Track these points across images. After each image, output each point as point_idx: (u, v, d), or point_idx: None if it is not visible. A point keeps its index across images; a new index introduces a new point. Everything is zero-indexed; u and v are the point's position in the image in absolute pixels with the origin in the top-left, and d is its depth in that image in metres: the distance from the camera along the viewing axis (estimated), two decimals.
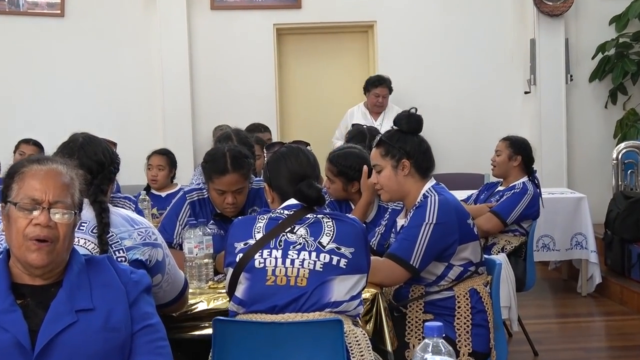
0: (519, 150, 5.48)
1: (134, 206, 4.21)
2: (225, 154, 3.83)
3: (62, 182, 2.29)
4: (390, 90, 8.20)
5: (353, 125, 6.90)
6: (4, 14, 8.52)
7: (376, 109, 8.22)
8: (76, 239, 2.52)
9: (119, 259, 2.64)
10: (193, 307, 3.17)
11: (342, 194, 4.23)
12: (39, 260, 2.23)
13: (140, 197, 5.39)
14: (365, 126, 5.68)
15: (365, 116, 8.25)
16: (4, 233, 2.42)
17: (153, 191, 6.32)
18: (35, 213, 2.24)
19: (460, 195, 4.90)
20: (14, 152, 6.90)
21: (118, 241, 2.70)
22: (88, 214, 2.70)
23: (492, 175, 5.68)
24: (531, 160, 5.51)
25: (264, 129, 7.23)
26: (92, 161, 2.96)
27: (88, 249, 2.65)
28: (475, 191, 5.88)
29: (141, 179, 6.64)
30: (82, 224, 2.67)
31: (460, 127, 8.94)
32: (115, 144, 3.31)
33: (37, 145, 6.94)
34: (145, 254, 2.72)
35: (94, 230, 2.69)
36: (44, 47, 8.60)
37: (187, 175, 7.72)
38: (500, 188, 5.56)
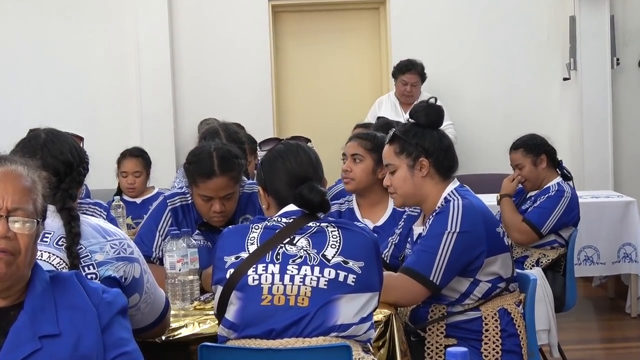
0: (540, 150, 5.47)
1: (106, 214, 4.23)
2: (211, 154, 3.82)
3: (22, 186, 2.29)
4: (423, 77, 8.21)
5: (379, 118, 6.92)
6: None
7: (406, 99, 8.22)
8: (39, 253, 2.53)
9: (89, 276, 2.64)
10: (176, 331, 3.18)
11: (367, 178, 4.23)
12: None
13: (114, 203, 5.41)
14: (394, 122, 5.63)
15: (395, 107, 8.28)
16: None
17: (126, 197, 6.32)
18: None
19: (487, 199, 4.90)
20: None
21: (88, 255, 2.69)
22: (52, 223, 2.70)
23: (527, 191, 5.65)
24: (554, 152, 5.51)
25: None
26: (58, 161, 2.95)
27: (53, 264, 2.65)
28: None
29: (113, 182, 6.65)
30: (46, 235, 2.67)
31: (488, 119, 8.94)
32: (81, 139, 3.31)
33: None
34: (119, 270, 2.72)
35: (59, 242, 2.69)
36: (1, 27, 8.61)
37: (168, 178, 7.73)
38: (532, 192, 5.56)
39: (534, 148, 5.48)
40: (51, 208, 2.61)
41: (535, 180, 5.49)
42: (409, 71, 8.19)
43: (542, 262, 5.30)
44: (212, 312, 3.22)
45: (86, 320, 2.29)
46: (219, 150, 3.85)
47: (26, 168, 2.34)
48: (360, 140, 4.38)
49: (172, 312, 3.20)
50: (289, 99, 9.14)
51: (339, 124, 8.41)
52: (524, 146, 5.51)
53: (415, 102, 8.02)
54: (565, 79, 8.87)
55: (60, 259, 2.67)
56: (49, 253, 2.67)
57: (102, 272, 2.68)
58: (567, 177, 5.48)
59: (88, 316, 2.30)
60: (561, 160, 5.55)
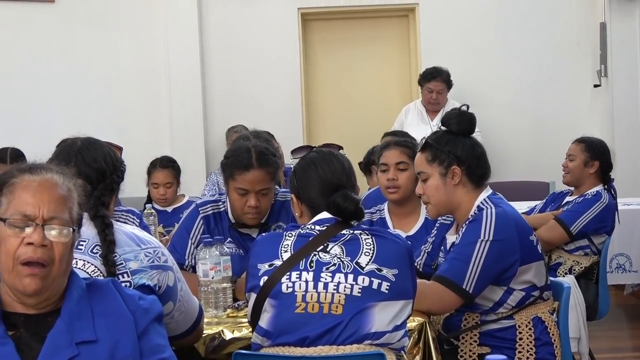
0: (597, 156, 5.45)
1: (139, 221, 4.24)
2: (250, 149, 3.90)
3: (58, 194, 2.31)
4: (449, 84, 8.21)
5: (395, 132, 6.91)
6: None
7: (432, 107, 8.25)
8: (74, 261, 2.54)
9: (124, 284, 2.64)
10: (209, 339, 3.18)
11: (412, 187, 4.14)
12: (32, 286, 2.24)
13: (146, 211, 5.43)
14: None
15: (422, 115, 8.29)
16: None
17: (157, 205, 6.35)
18: (28, 231, 2.25)
19: (520, 206, 4.89)
20: None
21: (122, 263, 2.71)
22: (87, 231, 2.72)
23: (563, 183, 5.65)
24: (609, 167, 5.48)
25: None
26: (91, 169, 2.96)
27: (87, 272, 2.67)
28: (539, 202, 5.87)
29: (143, 190, 6.68)
30: (81, 243, 2.69)
31: (518, 126, 8.92)
32: (120, 149, 3.33)
33: (17, 159, 6.84)
34: (153, 278, 2.73)
35: (94, 250, 2.71)
36: (32, 37, 8.68)
37: (198, 185, 7.78)
38: (569, 198, 5.54)
39: (594, 150, 5.46)
40: (86, 216, 2.62)
41: (576, 178, 5.46)
42: (435, 79, 8.20)
43: (575, 270, 5.28)
44: (245, 320, 3.23)
45: (123, 327, 2.31)
46: (257, 146, 3.94)
47: (62, 176, 2.35)
48: (402, 148, 4.36)
49: (206, 319, 3.21)
50: (319, 107, 9.15)
51: (368, 132, 8.41)
52: (587, 143, 5.50)
53: (441, 110, 8.15)
54: (595, 86, 8.83)
55: (95, 266, 2.69)
56: (84, 261, 2.69)
57: (136, 280, 2.70)
58: (612, 195, 5.43)
59: (125, 323, 2.32)
60: (613, 179, 5.51)
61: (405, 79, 9.16)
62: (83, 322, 2.29)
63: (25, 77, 8.64)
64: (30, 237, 2.24)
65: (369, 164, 5.95)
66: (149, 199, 6.44)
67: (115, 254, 2.71)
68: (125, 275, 2.70)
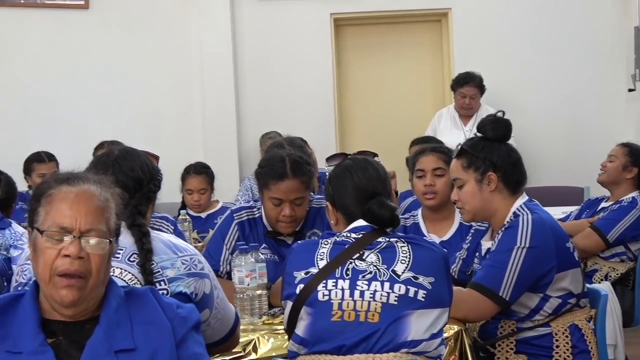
0: (637, 162, 5.42)
1: (174, 228, 4.27)
2: (284, 158, 3.91)
3: (95, 205, 2.31)
4: (482, 89, 8.20)
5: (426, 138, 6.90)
6: (19, 6, 8.71)
7: (465, 112, 8.24)
8: (111, 269, 2.55)
9: (161, 292, 2.64)
10: (245, 346, 3.19)
11: (449, 192, 4.04)
12: (69, 297, 2.25)
13: (180, 217, 5.45)
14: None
15: (455, 120, 8.27)
16: (29, 262, 2.47)
17: (191, 211, 6.38)
18: (65, 243, 2.26)
19: (555, 212, 4.87)
20: (28, 173, 6.94)
21: (159, 271, 2.72)
22: (124, 239, 2.72)
23: (597, 181, 5.61)
24: None
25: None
26: (128, 177, 2.98)
27: (125, 280, 2.68)
28: (574, 208, 5.84)
29: (177, 196, 6.71)
30: (118, 251, 2.69)
31: (552, 131, 8.89)
32: (157, 158, 3.34)
33: (54, 159, 7.00)
34: (190, 286, 2.74)
35: (131, 259, 2.72)
36: (66, 43, 8.74)
37: (231, 191, 7.81)
38: (604, 204, 5.51)
39: (635, 156, 5.43)
40: (123, 224, 2.63)
41: (611, 179, 5.44)
42: (467, 84, 8.19)
43: (611, 276, 5.25)
44: (280, 327, 3.24)
45: (161, 335, 2.31)
46: (292, 155, 3.94)
47: (99, 187, 2.35)
48: (438, 154, 4.35)
49: (241, 326, 3.21)
50: (351, 112, 9.15)
51: (400, 137, 8.36)
52: (630, 148, 5.49)
53: (474, 115, 8.13)
54: (630, 90, 8.76)
55: (133, 275, 2.70)
56: (121, 269, 2.69)
57: (173, 288, 2.70)
58: None
59: (163, 331, 2.32)
60: None
61: (438, 84, 9.15)
62: (122, 331, 2.30)
63: (59, 83, 8.70)
64: (67, 249, 2.25)
65: None
66: (183, 205, 6.47)
67: (152, 262, 2.72)
68: (162, 283, 2.70)
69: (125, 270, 2.70)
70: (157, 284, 2.69)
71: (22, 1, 8.71)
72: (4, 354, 2.26)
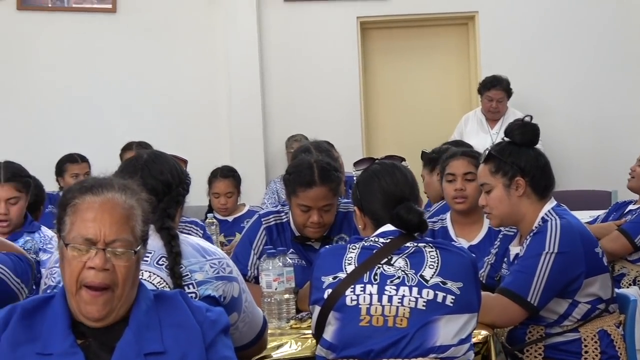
0: None
1: (202, 232, 4.28)
2: (312, 165, 3.90)
3: (119, 215, 2.31)
4: (509, 93, 8.18)
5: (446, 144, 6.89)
6: (47, 10, 8.76)
7: (492, 115, 8.23)
8: (140, 272, 2.55)
9: (189, 295, 2.66)
10: (273, 351, 3.20)
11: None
12: (94, 314, 2.27)
13: (207, 221, 5.47)
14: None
15: (481, 123, 8.26)
16: (58, 265, 2.49)
17: (218, 215, 6.39)
18: (90, 254, 2.26)
19: (582, 216, 4.84)
20: (60, 174, 7.00)
21: (188, 274, 2.72)
22: (153, 242, 2.72)
23: (627, 187, 5.58)
24: None
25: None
26: (157, 181, 2.97)
27: (153, 284, 2.69)
28: (601, 212, 5.81)
29: (204, 199, 6.73)
30: (147, 255, 2.69)
31: (579, 135, 8.85)
32: (185, 162, 3.36)
33: (86, 160, 7.07)
34: (218, 289, 2.75)
35: (159, 262, 2.73)
36: (93, 47, 8.78)
37: (258, 194, 7.82)
38: (632, 207, 5.47)
39: None
40: (152, 227, 2.63)
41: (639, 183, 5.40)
42: (494, 87, 8.18)
43: (639, 281, 5.22)
44: (308, 331, 3.24)
45: (191, 339, 2.32)
46: (319, 162, 3.92)
47: (124, 194, 2.35)
48: (469, 158, 4.33)
49: (269, 331, 3.22)
50: (378, 116, 9.15)
51: (427, 141, 8.32)
52: None
53: (501, 118, 8.11)
54: None
55: (161, 278, 2.70)
56: (150, 272, 2.70)
57: (201, 292, 2.71)
58: None
59: (192, 334, 2.33)
60: None
61: (465, 88, 9.13)
62: (151, 333, 2.31)
63: (87, 86, 8.74)
64: (92, 261, 2.26)
65: (434, 162, 5.68)
66: (210, 209, 6.49)
67: (181, 265, 2.73)
68: (191, 286, 2.71)
69: (154, 274, 2.71)
70: (186, 288, 2.70)
71: (50, 5, 8.76)
72: (35, 356, 2.28)
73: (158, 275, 2.71)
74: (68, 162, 7.02)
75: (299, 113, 8.77)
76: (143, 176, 2.95)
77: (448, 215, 4.44)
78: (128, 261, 2.29)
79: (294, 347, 3.22)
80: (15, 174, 4.41)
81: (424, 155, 5.54)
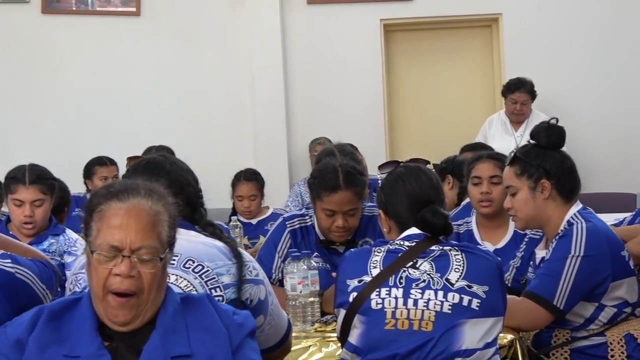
0: None
1: (231, 238, 4.28)
2: (336, 169, 3.89)
3: (145, 221, 2.30)
4: (533, 95, 8.16)
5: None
6: (72, 13, 8.81)
7: (516, 118, 8.21)
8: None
9: (217, 299, 2.64)
10: (299, 354, 3.20)
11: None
12: (120, 318, 2.28)
13: (231, 223, 5.48)
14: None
15: (505, 126, 8.24)
16: (84, 271, 2.51)
17: (242, 218, 6.40)
18: (116, 261, 2.27)
19: (607, 219, 4.81)
20: (89, 176, 7.02)
21: (215, 277, 2.71)
22: (180, 245, 2.70)
23: None
24: None
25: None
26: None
27: (180, 287, 2.67)
28: (627, 215, 5.77)
29: (227, 202, 6.74)
30: (173, 258, 2.65)
31: (605, 137, 8.80)
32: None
33: (114, 163, 7.10)
34: (245, 292, 2.75)
35: (186, 265, 2.71)
36: (117, 50, 8.83)
37: (281, 197, 7.83)
38: None
39: None
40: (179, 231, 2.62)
41: None
42: (519, 90, 8.15)
43: None
44: (333, 334, 3.25)
45: (217, 342, 2.33)
46: (344, 166, 3.92)
47: (149, 200, 2.34)
48: (495, 161, 4.31)
49: (294, 334, 3.22)
50: (401, 118, 9.13)
51: (451, 143, 8.30)
52: None
53: (525, 120, 8.08)
54: None
55: (188, 281, 2.69)
56: (177, 276, 2.68)
57: (228, 295, 2.70)
58: None
59: (219, 337, 2.33)
60: None
61: (489, 90, 9.10)
62: (178, 336, 2.31)
63: (111, 89, 8.78)
64: (117, 268, 2.26)
65: (444, 172, 5.73)
66: (234, 211, 6.50)
67: (208, 268, 2.72)
68: (217, 289, 2.70)
69: (181, 277, 2.69)
70: (213, 291, 2.69)
71: (74, 8, 8.81)
72: (62, 358, 2.29)
73: (185, 279, 2.69)
74: (97, 165, 7.05)
75: (322, 116, 8.76)
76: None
77: (473, 218, 4.43)
78: (154, 267, 2.29)
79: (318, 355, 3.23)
80: (40, 177, 4.45)
81: (435, 167, 5.54)
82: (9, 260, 2.84)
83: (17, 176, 4.42)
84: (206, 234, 2.89)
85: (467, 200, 5.15)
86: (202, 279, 2.70)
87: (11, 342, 2.32)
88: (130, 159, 6.61)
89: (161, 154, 3.13)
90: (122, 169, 6.80)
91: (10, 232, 4.45)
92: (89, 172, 7.04)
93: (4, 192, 4.55)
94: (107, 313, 2.28)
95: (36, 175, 4.42)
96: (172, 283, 2.65)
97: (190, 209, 2.90)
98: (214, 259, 2.75)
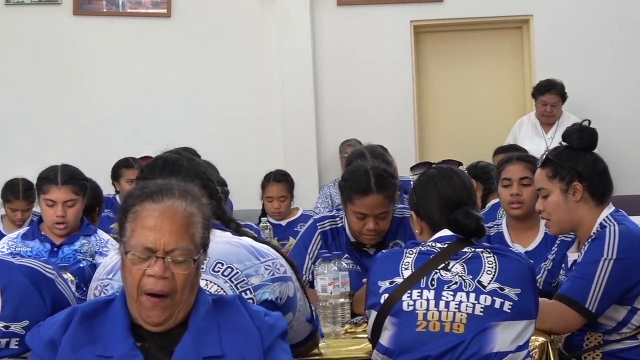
0: None
1: (257, 236, 4.29)
2: (368, 172, 3.89)
3: (179, 223, 2.31)
4: (563, 97, 8.12)
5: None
6: (102, 15, 8.86)
7: (546, 119, 8.18)
8: None
9: (247, 301, 2.65)
10: (328, 356, 3.20)
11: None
12: (154, 319, 2.29)
13: (261, 224, 5.50)
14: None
15: (536, 128, 8.22)
16: (111, 277, 2.52)
17: (271, 219, 6.41)
18: (150, 262, 2.28)
19: (637, 221, 4.78)
20: (116, 178, 7.05)
21: (244, 280, 2.70)
22: (209, 248, 2.68)
23: None
24: None
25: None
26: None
27: (211, 292, 2.65)
28: None
29: (257, 203, 6.75)
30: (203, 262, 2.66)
31: (635, 139, 8.76)
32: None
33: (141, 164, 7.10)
34: (275, 291, 2.73)
35: (215, 269, 2.69)
36: (147, 51, 8.88)
37: (311, 198, 7.83)
38: None
39: None
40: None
41: None
42: (549, 91, 8.12)
43: None
44: (363, 336, 3.24)
45: (249, 343, 2.33)
46: (375, 169, 3.92)
47: (184, 202, 2.34)
48: (525, 163, 4.30)
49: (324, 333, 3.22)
50: (431, 120, 9.12)
51: (481, 145, 8.32)
52: None
53: (556, 122, 8.04)
54: None
55: (218, 285, 2.67)
56: (207, 280, 2.65)
57: (259, 297, 2.69)
58: None
59: (251, 339, 2.34)
60: None
61: (519, 92, 9.07)
62: (210, 337, 2.32)
63: (142, 90, 8.82)
64: (151, 269, 2.27)
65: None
66: (263, 213, 6.51)
67: (237, 270, 2.70)
68: (248, 292, 2.69)
69: (211, 282, 2.67)
70: (243, 294, 2.68)
71: (105, 10, 8.86)
72: (95, 358, 2.31)
73: (215, 283, 2.67)
74: (123, 167, 7.07)
75: (352, 117, 8.76)
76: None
77: (504, 220, 4.41)
78: (187, 269, 2.30)
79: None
80: (73, 177, 4.47)
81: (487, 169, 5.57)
82: (51, 267, 2.87)
83: (50, 176, 4.44)
84: (230, 230, 2.88)
85: (493, 202, 5.16)
86: (232, 282, 2.69)
87: (44, 342, 2.34)
88: (142, 159, 6.66)
89: (176, 151, 3.11)
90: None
91: (43, 233, 4.48)
92: (116, 174, 7.06)
93: (36, 193, 4.58)
94: (141, 313, 2.30)
95: (68, 176, 4.45)
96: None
97: (214, 203, 2.87)
98: (242, 260, 2.74)
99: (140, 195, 2.35)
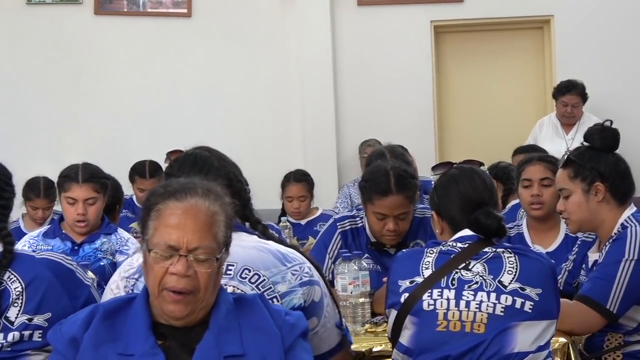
0: None
1: (278, 236, 4.29)
2: (388, 172, 3.89)
3: (202, 222, 2.31)
4: (584, 97, 8.09)
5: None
6: (123, 14, 8.90)
7: (567, 120, 8.15)
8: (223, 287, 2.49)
9: None
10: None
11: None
12: (176, 313, 2.30)
13: (281, 224, 5.51)
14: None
15: (556, 129, 8.20)
16: (134, 278, 2.53)
17: (291, 218, 6.42)
18: (173, 260, 2.28)
19: None
20: (132, 181, 7.00)
21: (271, 287, 2.65)
22: (235, 253, 2.57)
23: None
24: None
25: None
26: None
27: None
28: None
29: (277, 203, 6.76)
30: (229, 268, 2.62)
31: None
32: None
33: (156, 175, 6.87)
34: (304, 295, 2.68)
35: (242, 275, 2.65)
36: (168, 51, 8.91)
37: (330, 198, 7.83)
38: None
39: None
40: (235, 235, 2.50)
41: None
42: (569, 92, 8.09)
43: None
44: (383, 335, 3.24)
45: (270, 342, 2.34)
46: (396, 169, 3.91)
47: (207, 200, 2.35)
48: (545, 163, 4.29)
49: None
50: (451, 120, 9.11)
51: (501, 146, 8.30)
52: None
53: (576, 123, 8.01)
54: None
55: (245, 293, 2.65)
56: (234, 287, 2.62)
57: (287, 303, 2.63)
58: None
59: (272, 338, 2.34)
60: None
61: (540, 92, 9.05)
62: (231, 336, 2.33)
63: (162, 90, 8.85)
64: (174, 267, 2.28)
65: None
66: (283, 212, 6.53)
67: (264, 277, 2.65)
68: (274, 299, 2.63)
69: (238, 288, 2.62)
70: (270, 301, 2.58)
71: (125, 10, 8.89)
72: (116, 356, 2.32)
73: (242, 290, 2.62)
74: (137, 175, 6.90)
75: (372, 117, 8.76)
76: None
77: (524, 221, 4.40)
78: (210, 267, 2.30)
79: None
80: (94, 175, 4.49)
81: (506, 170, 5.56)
82: (70, 258, 2.89)
83: (71, 175, 4.46)
84: (257, 233, 2.86)
85: (513, 202, 5.14)
86: (259, 290, 2.64)
87: (66, 340, 2.35)
88: (171, 153, 6.60)
89: (206, 149, 3.07)
90: (163, 166, 6.71)
91: (63, 231, 4.50)
92: (132, 177, 6.99)
93: (57, 191, 4.60)
94: (163, 308, 2.30)
95: (89, 174, 4.46)
96: None
97: (240, 204, 2.87)
98: (269, 267, 2.68)
99: (164, 194, 2.36)
